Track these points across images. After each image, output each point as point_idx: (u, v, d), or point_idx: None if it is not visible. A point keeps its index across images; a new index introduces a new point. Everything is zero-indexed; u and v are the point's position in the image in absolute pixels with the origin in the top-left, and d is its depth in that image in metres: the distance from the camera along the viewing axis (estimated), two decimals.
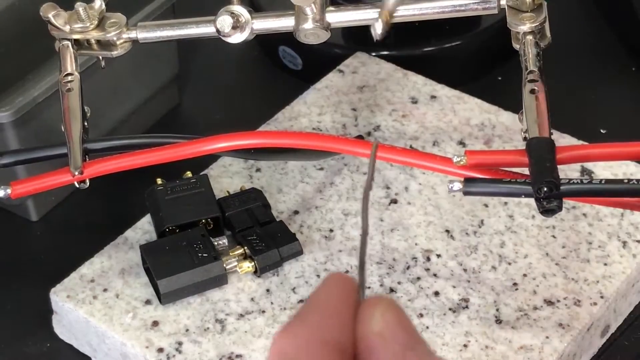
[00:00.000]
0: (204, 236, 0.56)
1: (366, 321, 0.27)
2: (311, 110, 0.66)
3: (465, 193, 0.47)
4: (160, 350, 0.53)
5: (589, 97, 0.74)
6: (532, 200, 0.46)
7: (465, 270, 0.56)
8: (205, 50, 0.79)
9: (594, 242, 0.57)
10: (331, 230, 0.58)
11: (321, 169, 0.62)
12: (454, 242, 0.57)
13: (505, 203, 0.59)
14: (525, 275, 0.56)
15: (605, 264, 0.56)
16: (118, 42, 0.56)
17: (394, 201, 0.60)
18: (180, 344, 0.53)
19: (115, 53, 0.56)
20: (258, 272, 0.56)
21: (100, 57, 0.57)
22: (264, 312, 0.54)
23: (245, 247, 0.56)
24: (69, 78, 0.55)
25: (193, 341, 0.53)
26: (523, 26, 0.52)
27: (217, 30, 0.54)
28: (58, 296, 0.56)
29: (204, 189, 0.59)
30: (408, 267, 0.56)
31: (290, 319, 0.27)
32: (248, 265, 0.55)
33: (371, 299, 0.28)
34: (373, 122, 0.65)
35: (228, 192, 0.60)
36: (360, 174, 0.62)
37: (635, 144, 0.48)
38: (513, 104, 0.60)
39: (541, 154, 0.46)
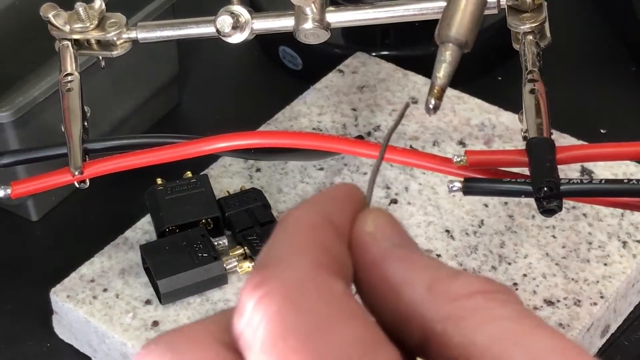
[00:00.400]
0: (204, 236, 0.56)
1: (360, 224, 0.29)
2: (311, 110, 0.66)
3: (465, 193, 0.47)
4: None
5: (589, 97, 0.74)
6: (532, 200, 0.46)
7: (465, 270, 0.56)
8: (205, 50, 0.79)
9: (594, 242, 0.57)
10: None
11: (321, 169, 0.62)
12: (454, 242, 0.57)
13: (505, 203, 0.59)
14: (525, 275, 0.56)
15: (605, 264, 0.56)
16: (118, 42, 0.56)
17: (394, 201, 0.60)
18: None
19: (115, 53, 0.56)
20: None
21: (100, 57, 0.57)
22: None
23: (245, 247, 0.56)
24: (69, 78, 0.55)
25: None
26: (523, 26, 0.52)
27: (217, 30, 0.54)
28: (58, 296, 0.56)
29: (204, 189, 0.59)
30: None
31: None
32: (248, 265, 0.55)
33: (368, 208, 0.30)
34: (373, 122, 0.65)
35: (228, 192, 0.60)
36: (360, 174, 0.62)
37: (635, 144, 0.48)
38: (513, 104, 0.60)
39: (541, 154, 0.46)
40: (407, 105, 0.35)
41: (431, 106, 0.45)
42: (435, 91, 0.45)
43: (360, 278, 0.28)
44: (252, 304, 0.26)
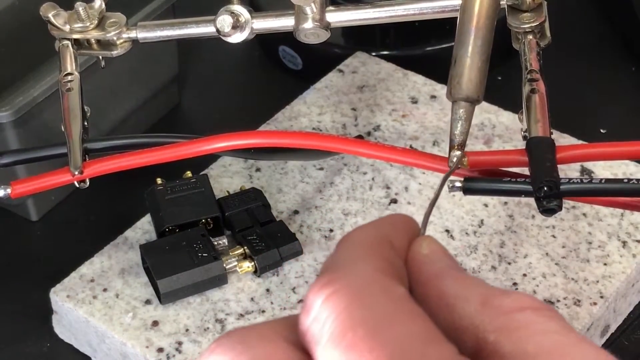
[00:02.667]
0: (204, 236, 0.56)
1: (416, 247, 0.32)
2: (311, 110, 0.66)
3: (465, 193, 0.47)
4: (160, 350, 0.53)
5: (589, 97, 0.74)
6: (532, 200, 0.46)
7: (465, 270, 0.56)
8: (205, 50, 0.79)
9: (594, 242, 0.57)
10: (331, 230, 0.58)
11: (321, 168, 0.62)
12: (454, 242, 0.57)
13: (505, 203, 0.59)
14: (525, 275, 0.56)
15: (605, 264, 0.56)
16: (118, 42, 0.56)
17: (394, 201, 0.60)
18: (180, 343, 0.53)
19: (115, 53, 0.56)
20: (258, 272, 0.56)
21: (100, 57, 0.57)
22: (263, 312, 0.54)
23: (245, 247, 0.56)
24: (69, 78, 0.54)
25: (193, 341, 0.53)
26: (523, 26, 0.52)
27: (217, 30, 0.54)
28: (58, 296, 0.56)
29: (204, 188, 0.59)
30: None
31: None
32: (248, 265, 0.55)
33: (422, 236, 0.33)
34: (373, 122, 0.65)
35: (228, 192, 0.60)
36: (359, 174, 0.62)
37: (635, 144, 0.48)
38: (513, 104, 0.60)
39: (541, 153, 0.46)
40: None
41: (455, 160, 0.47)
42: (456, 147, 0.47)
43: (415, 293, 0.31)
44: (320, 301, 0.28)
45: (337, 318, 0.28)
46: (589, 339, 0.29)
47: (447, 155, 0.48)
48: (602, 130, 0.71)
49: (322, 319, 0.28)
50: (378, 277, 0.29)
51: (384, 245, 0.31)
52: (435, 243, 0.32)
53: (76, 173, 0.51)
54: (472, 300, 0.30)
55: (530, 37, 0.51)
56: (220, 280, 0.55)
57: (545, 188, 0.45)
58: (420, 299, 0.30)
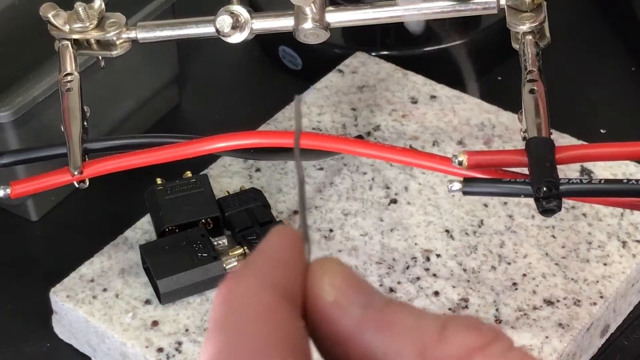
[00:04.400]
0: (203, 236, 0.56)
1: (317, 292, 0.26)
2: (311, 110, 0.66)
3: (465, 193, 0.47)
4: (160, 350, 0.53)
5: (589, 97, 0.74)
6: (531, 200, 0.46)
7: (464, 270, 0.56)
8: (205, 50, 0.79)
9: (594, 242, 0.57)
10: (331, 230, 0.58)
11: (321, 169, 0.62)
12: (454, 242, 0.57)
13: (505, 203, 0.59)
14: (524, 275, 0.56)
15: (605, 264, 0.56)
16: (118, 42, 0.56)
17: (394, 201, 0.60)
18: (180, 343, 0.53)
19: (115, 53, 0.56)
20: None
21: (100, 57, 0.57)
22: None
23: (245, 247, 0.56)
24: (69, 78, 0.55)
25: (193, 341, 0.53)
26: (523, 26, 0.51)
27: (217, 30, 0.54)
28: (58, 296, 0.56)
29: (204, 189, 0.59)
30: (408, 267, 0.56)
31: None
32: None
33: (316, 263, 0.27)
34: (373, 122, 0.65)
35: (228, 192, 0.60)
36: (359, 174, 0.62)
37: (635, 144, 0.48)
38: (513, 104, 0.60)
39: (541, 154, 0.46)
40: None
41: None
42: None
43: (333, 354, 0.26)
44: None
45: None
46: None
47: (447, 156, 0.48)
48: (602, 131, 0.71)
49: None
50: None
51: (278, 310, 0.25)
52: (336, 274, 0.26)
53: (76, 173, 0.51)
54: (407, 356, 0.25)
55: (529, 37, 0.51)
56: (220, 280, 0.55)
57: (545, 189, 0.45)
58: None
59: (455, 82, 0.69)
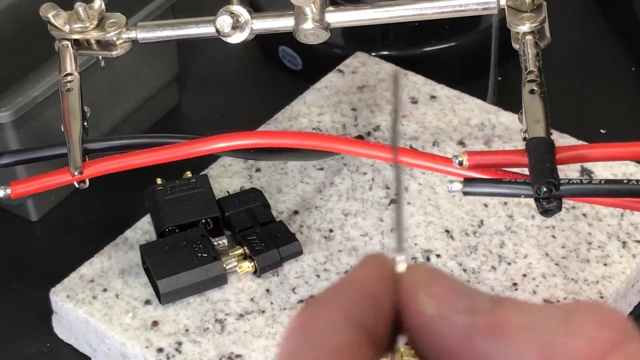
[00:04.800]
0: (203, 236, 0.56)
1: (415, 307, 0.24)
2: (311, 110, 0.66)
3: (465, 193, 0.47)
4: (160, 350, 0.53)
5: (589, 97, 0.74)
6: (532, 200, 0.46)
7: (465, 270, 0.56)
8: (205, 50, 0.79)
9: (594, 242, 0.57)
10: (331, 230, 0.58)
11: (321, 169, 0.62)
12: (454, 242, 0.57)
13: (505, 203, 0.59)
14: (525, 275, 0.56)
15: (605, 264, 0.56)
16: (118, 42, 0.56)
17: (394, 201, 0.60)
18: (180, 344, 0.53)
19: (115, 53, 0.56)
20: (258, 272, 0.56)
21: (100, 57, 0.57)
22: (263, 312, 0.54)
23: (245, 247, 0.56)
24: (69, 78, 0.55)
25: (193, 341, 0.53)
26: (523, 26, 0.51)
27: (217, 30, 0.54)
28: (58, 296, 0.56)
29: (204, 189, 0.59)
30: None
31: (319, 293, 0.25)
32: (248, 265, 0.55)
33: (406, 275, 0.25)
34: (373, 122, 0.65)
35: (228, 192, 0.60)
36: (359, 174, 0.62)
37: (635, 144, 0.48)
38: (513, 104, 0.60)
39: (541, 154, 0.46)
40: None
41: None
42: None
43: None
44: None
45: None
46: None
47: (447, 156, 0.47)
48: (602, 131, 0.71)
49: None
50: None
51: (359, 293, 0.24)
52: (431, 280, 0.24)
53: (76, 173, 0.51)
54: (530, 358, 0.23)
55: (529, 37, 0.51)
56: (220, 280, 0.55)
57: (545, 189, 0.45)
58: None
59: (456, 82, 0.69)
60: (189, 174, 0.60)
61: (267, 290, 0.55)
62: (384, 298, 0.24)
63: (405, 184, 0.61)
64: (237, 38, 0.55)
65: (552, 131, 0.48)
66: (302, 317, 0.24)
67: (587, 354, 0.22)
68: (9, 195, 0.52)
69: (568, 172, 0.59)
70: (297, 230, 0.58)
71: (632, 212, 0.58)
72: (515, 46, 0.52)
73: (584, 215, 0.58)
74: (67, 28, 0.56)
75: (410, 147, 0.63)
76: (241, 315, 0.54)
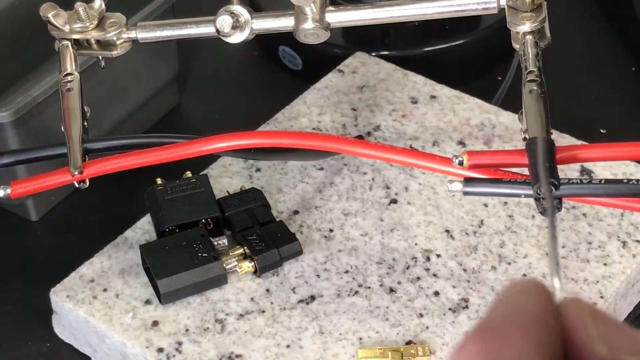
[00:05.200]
0: (203, 236, 0.56)
1: (587, 346, 0.24)
2: (311, 110, 0.66)
3: (465, 193, 0.47)
4: (160, 350, 0.53)
5: (589, 97, 0.74)
6: (532, 200, 0.46)
7: (465, 270, 0.56)
8: (205, 50, 0.79)
9: (594, 242, 0.57)
10: (331, 230, 0.58)
11: (321, 169, 0.62)
12: (454, 242, 0.57)
13: (505, 203, 0.59)
14: (525, 275, 0.56)
15: (605, 264, 0.56)
16: (118, 42, 0.56)
17: (394, 201, 0.60)
18: (180, 344, 0.53)
19: (115, 53, 0.56)
20: (258, 272, 0.56)
21: (100, 57, 0.57)
22: (263, 312, 0.54)
23: (245, 247, 0.56)
24: (69, 78, 0.55)
25: (193, 341, 0.53)
26: (523, 26, 0.51)
27: (217, 30, 0.54)
28: (58, 296, 0.56)
29: (204, 189, 0.59)
30: (408, 267, 0.56)
31: (474, 330, 0.24)
32: (248, 265, 0.55)
33: (570, 311, 0.24)
34: (373, 122, 0.65)
35: (228, 192, 0.60)
36: (359, 174, 0.62)
37: (635, 144, 0.48)
38: (513, 104, 0.60)
39: (541, 154, 0.46)
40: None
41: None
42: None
43: None
44: None
45: None
46: None
47: (447, 156, 0.47)
48: (602, 130, 0.71)
49: None
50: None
51: (542, 325, 0.23)
52: (600, 321, 0.24)
53: (76, 173, 0.51)
54: None
55: (529, 37, 0.51)
56: (220, 280, 0.55)
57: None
58: None
59: (456, 82, 0.69)
60: (189, 174, 0.60)
61: (267, 290, 0.55)
62: (559, 332, 0.24)
63: (405, 184, 0.61)
64: (237, 38, 0.55)
65: (552, 131, 0.48)
66: (481, 346, 0.23)
67: None
68: (9, 195, 0.52)
69: (568, 172, 0.60)
70: (297, 230, 0.58)
71: (632, 212, 0.58)
72: (516, 46, 0.52)
73: (584, 215, 0.58)
74: (67, 28, 0.56)
75: (411, 147, 0.63)
76: (241, 315, 0.54)
